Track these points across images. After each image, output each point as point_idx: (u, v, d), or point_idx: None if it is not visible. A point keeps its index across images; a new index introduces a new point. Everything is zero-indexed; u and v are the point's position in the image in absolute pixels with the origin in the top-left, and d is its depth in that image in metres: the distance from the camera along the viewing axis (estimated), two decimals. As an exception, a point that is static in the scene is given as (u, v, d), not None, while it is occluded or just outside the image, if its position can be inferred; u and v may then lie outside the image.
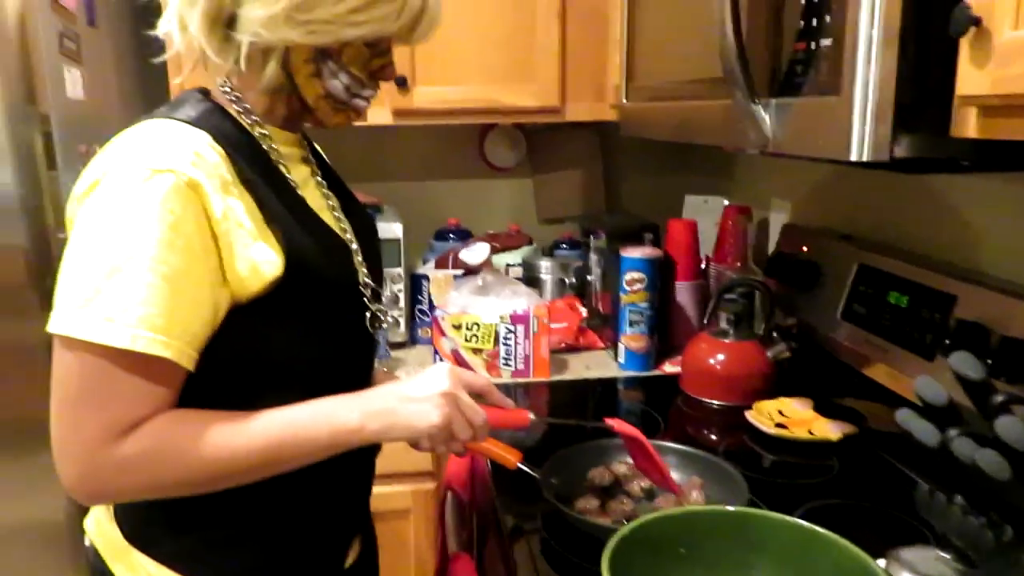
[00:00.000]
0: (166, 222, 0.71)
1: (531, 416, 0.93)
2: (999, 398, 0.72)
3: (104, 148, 0.77)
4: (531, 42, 1.76)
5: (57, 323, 0.71)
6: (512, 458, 0.96)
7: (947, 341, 1.01)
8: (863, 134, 0.73)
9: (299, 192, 0.87)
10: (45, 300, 1.45)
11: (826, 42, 0.78)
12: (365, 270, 0.93)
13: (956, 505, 0.71)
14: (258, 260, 0.77)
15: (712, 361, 1.46)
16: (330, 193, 0.96)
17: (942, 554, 0.77)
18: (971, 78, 0.65)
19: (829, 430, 1.27)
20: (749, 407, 1.37)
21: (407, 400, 0.82)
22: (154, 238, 0.71)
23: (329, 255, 0.87)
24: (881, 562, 0.78)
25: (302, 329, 0.83)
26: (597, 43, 1.77)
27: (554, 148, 2.15)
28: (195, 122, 0.79)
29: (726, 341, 1.46)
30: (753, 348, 1.45)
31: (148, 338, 0.70)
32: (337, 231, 0.91)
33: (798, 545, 0.77)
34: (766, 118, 0.89)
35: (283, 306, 0.80)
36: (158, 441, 0.74)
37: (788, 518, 0.78)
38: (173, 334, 0.72)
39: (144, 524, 0.84)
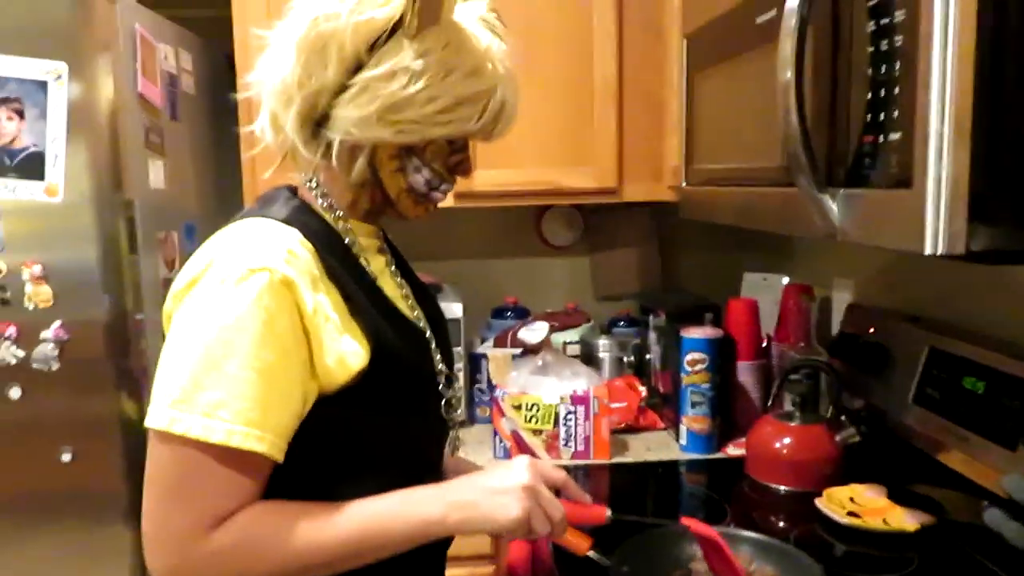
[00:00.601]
0: (261, 319, 0.74)
1: (608, 513, 0.92)
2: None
3: (203, 246, 0.81)
4: (589, 126, 1.81)
5: (155, 418, 0.74)
6: (583, 544, 0.95)
7: (1030, 431, 0.97)
8: (937, 227, 0.73)
9: (378, 283, 0.90)
10: (120, 377, 1.51)
11: (895, 135, 0.79)
12: (440, 356, 0.96)
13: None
14: (345, 352, 0.80)
15: (778, 445, 1.43)
16: (404, 282, 1.00)
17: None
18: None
19: (905, 520, 1.22)
20: (818, 494, 1.34)
21: (489, 493, 0.82)
22: (250, 335, 0.74)
23: (408, 344, 0.89)
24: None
25: (383, 417, 0.85)
26: (654, 126, 1.81)
27: (610, 227, 2.18)
28: (287, 220, 0.83)
29: (792, 424, 1.43)
30: (821, 432, 1.42)
31: (244, 433, 0.73)
32: (412, 320, 0.93)
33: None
34: (833, 207, 0.89)
35: (366, 395, 0.82)
36: (248, 534, 0.75)
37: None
38: (267, 428, 0.74)
39: None
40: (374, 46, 0.82)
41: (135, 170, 1.54)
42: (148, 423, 0.74)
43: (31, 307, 1.43)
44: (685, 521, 0.98)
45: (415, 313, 0.96)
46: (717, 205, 1.32)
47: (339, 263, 0.84)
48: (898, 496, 1.29)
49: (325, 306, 0.79)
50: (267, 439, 0.74)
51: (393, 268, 0.99)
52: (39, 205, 1.42)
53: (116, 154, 1.49)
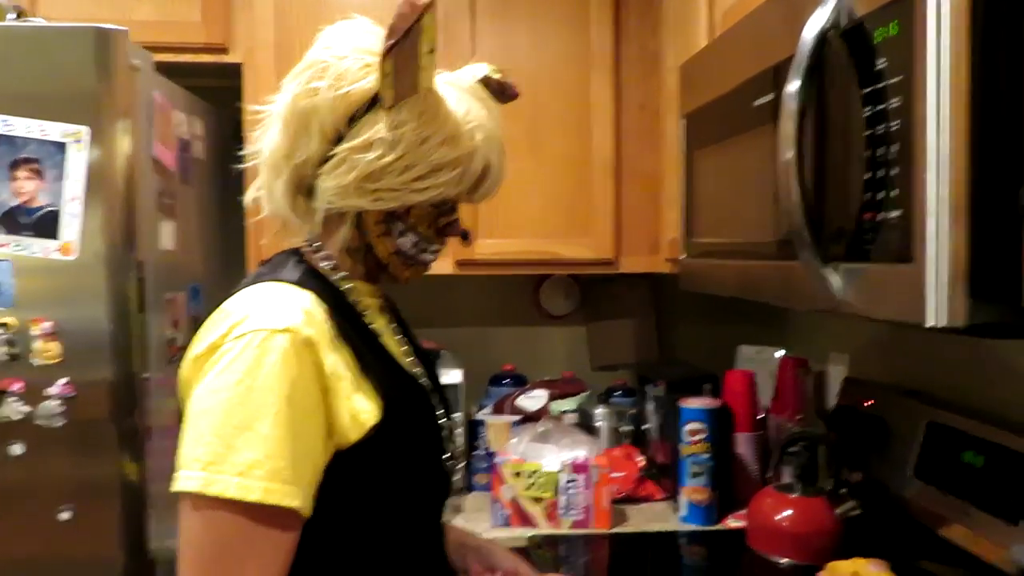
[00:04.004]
0: (288, 379, 0.76)
1: None
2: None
3: (220, 310, 0.83)
4: (587, 199, 1.87)
5: (188, 481, 0.74)
6: None
7: (1031, 504, 0.99)
8: (938, 301, 0.76)
9: (382, 341, 0.92)
10: (125, 440, 1.50)
11: (894, 213, 0.83)
12: (441, 411, 0.97)
13: None
14: (358, 410, 0.81)
15: (779, 517, 1.43)
16: (404, 339, 1.02)
17: None
18: (1043, 251, 0.69)
19: (909, 595, 1.22)
20: (819, 567, 1.33)
21: None
22: (278, 395, 0.75)
23: (414, 400, 0.91)
24: None
25: (392, 473, 0.86)
26: (651, 201, 1.87)
27: (608, 297, 2.21)
28: (299, 283, 0.85)
29: (793, 496, 1.43)
30: (821, 504, 1.42)
31: (279, 490, 0.74)
32: (416, 376, 0.95)
33: None
34: (835, 281, 0.92)
35: (376, 452, 0.83)
36: None
37: None
38: (300, 484, 0.75)
39: None
40: (353, 118, 0.86)
41: (147, 231, 1.57)
42: (180, 487, 0.74)
43: (38, 363, 1.43)
44: None
45: (416, 370, 0.98)
46: (718, 277, 1.35)
47: (348, 323, 0.86)
48: (902, 571, 1.29)
49: (339, 365, 0.81)
50: (300, 495, 0.76)
51: (394, 326, 1.01)
52: (52, 263, 1.44)
53: (130, 215, 1.52)
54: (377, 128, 0.85)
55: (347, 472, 0.82)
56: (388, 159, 0.85)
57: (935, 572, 1.26)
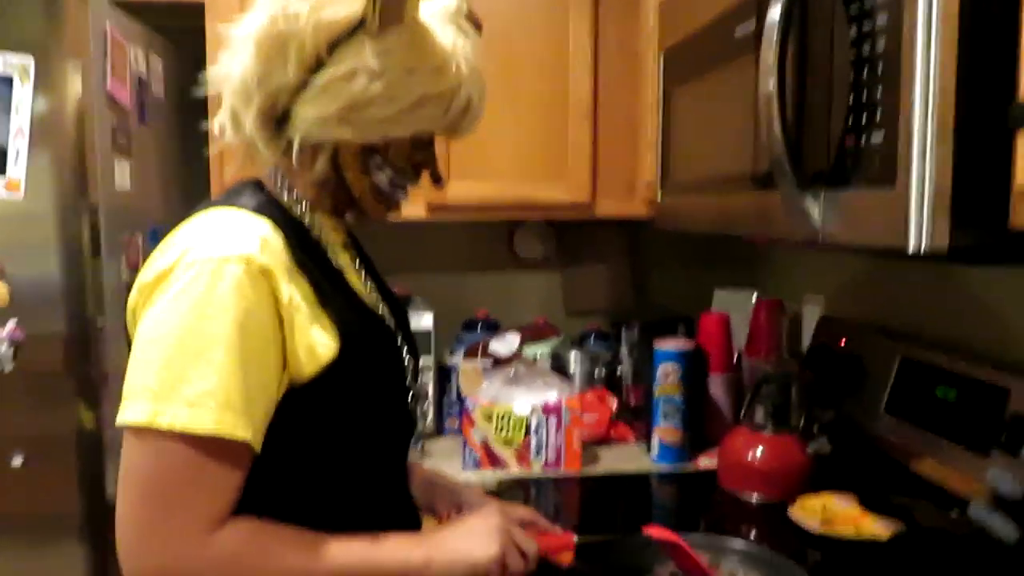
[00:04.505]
0: (241, 308, 0.72)
1: (575, 539, 0.98)
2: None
3: (171, 237, 0.79)
4: (563, 141, 1.82)
5: (134, 413, 0.71)
6: (566, 558, 0.97)
7: (1004, 436, 0.99)
8: (920, 224, 0.75)
9: (345, 277, 0.89)
10: (81, 389, 1.46)
11: (877, 136, 0.80)
12: (406, 350, 0.94)
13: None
14: (315, 343, 0.78)
15: (750, 455, 1.43)
16: (368, 279, 0.98)
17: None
18: (1030, 170, 0.67)
19: (877, 528, 1.23)
20: (790, 503, 1.34)
21: (466, 537, 0.86)
22: (231, 325, 0.72)
23: (375, 337, 0.88)
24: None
25: (351, 410, 0.83)
26: (628, 142, 1.83)
27: (583, 242, 2.18)
28: (256, 210, 0.81)
29: (764, 434, 1.44)
30: (792, 442, 1.42)
31: (232, 421, 0.71)
32: (378, 314, 0.92)
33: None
34: (815, 209, 0.91)
35: (333, 388, 0.80)
36: (249, 544, 0.74)
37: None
38: (251, 416, 0.73)
39: None
40: (335, 45, 0.81)
41: (101, 171, 1.50)
42: (125, 419, 0.71)
43: (-15, 305, 1.38)
44: (647, 530, 1.00)
45: (380, 309, 0.95)
46: (694, 214, 1.33)
47: (307, 254, 0.83)
48: (870, 504, 1.30)
49: (296, 296, 0.78)
50: (252, 427, 0.73)
51: (357, 265, 0.98)
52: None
53: (82, 155, 1.45)
54: (362, 56, 0.80)
55: (305, 408, 0.79)
56: (374, 89, 0.80)
57: (903, 505, 1.27)
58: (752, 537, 1.27)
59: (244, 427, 0.72)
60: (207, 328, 0.71)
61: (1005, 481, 0.72)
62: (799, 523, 1.27)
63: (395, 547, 0.82)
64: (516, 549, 0.87)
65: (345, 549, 0.78)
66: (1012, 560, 0.78)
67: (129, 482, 0.72)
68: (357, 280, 0.94)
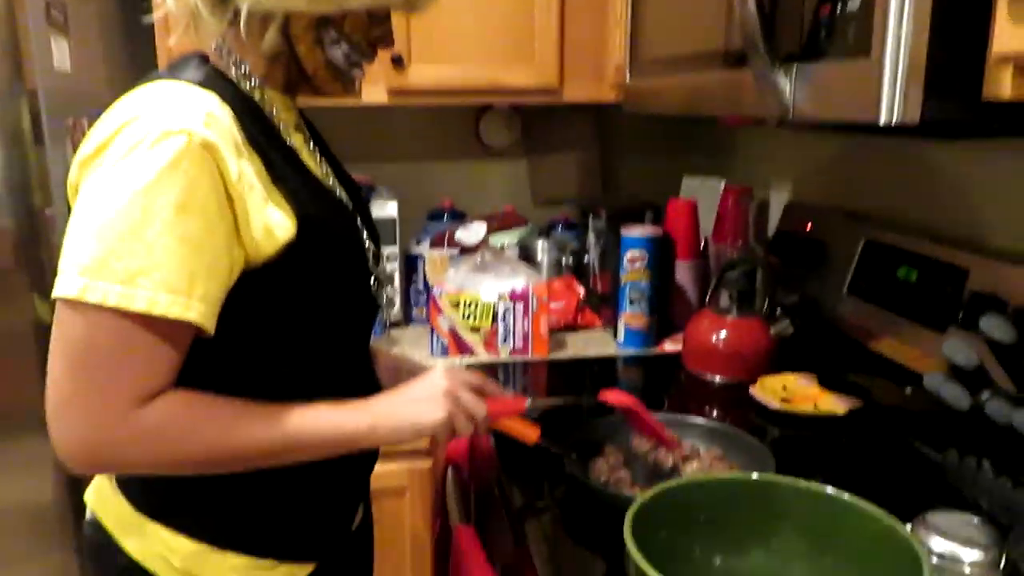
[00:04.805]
0: (181, 184, 0.69)
1: (527, 402, 0.96)
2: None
3: (110, 110, 0.74)
4: (529, 22, 1.74)
5: (66, 286, 0.68)
6: (532, 434, 0.97)
7: (961, 314, 1.01)
8: (893, 96, 0.72)
9: (299, 157, 0.85)
10: (34, 282, 1.42)
11: (853, 4, 0.77)
12: (366, 234, 0.92)
13: (986, 468, 0.70)
14: (272, 223, 0.75)
15: (714, 337, 1.45)
16: (323, 160, 0.95)
17: (971, 517, 0.77)
18: (1008, 34, 0.64)
19: (835, 404, 1.27)
20: (752, 383, 1.37)
21: (412, 402, 0.85)
22: (169, 200, 0.68)
23: (333, 217, 0.86)
24: (908, 527, 0.77)
25: (312, 293, 0.81)
26: (596, 24, 1.75)
27: (550, 130, 2.13)
28: (202, 83, 0.77)
29: (728, 318, 1.45)
30: (756, 324, 1.45)
31: (168, 300, 0.69)
32: (335, 194, 0.89)
33: (823, 512, 0.76)
34: (786, 85, 0.88)
35: (293, 270, 0.78)
36: (176, 416, 0.73)
37: (814, 485, 0.77)
38: (194, 296, 0.70)
39: (160, 495, 0.82)
40: None
41: (37, 53, 1.40)
42: (58, 292, 0.69)
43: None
44: (603, 396, 1.02)
45: (338, 192, 0.91)
46: (663, 95, 1.29)
47: (259, 132, 0.79)
48: (828, 383, 1.34)
49: (248, 174, 0.74)
50: (195, 307, 0.70)
51: (311, 146, 0.94)
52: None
53: (14, 36, 1.36)
54: None
55: (265, 290, 0.77)
56: None
57: (861, 383, 1.31)
58: (714, 416, 1.31)
59: (184, 306, 0.70)
60: (143, 205, 0.68)
61: (960, 351, 0.73)
62: (760, 401, 1.31)
63: (337, 414, 0.80)
64: (464, 412, 0.86)
65: (288, 417, 0.77)
66: (962, 428, 0.80)
67: (57, 354, 0.70)
68: (312, 161, 0.90)
